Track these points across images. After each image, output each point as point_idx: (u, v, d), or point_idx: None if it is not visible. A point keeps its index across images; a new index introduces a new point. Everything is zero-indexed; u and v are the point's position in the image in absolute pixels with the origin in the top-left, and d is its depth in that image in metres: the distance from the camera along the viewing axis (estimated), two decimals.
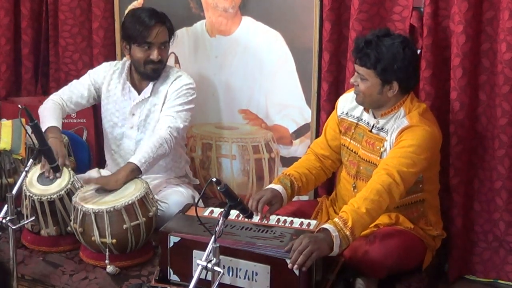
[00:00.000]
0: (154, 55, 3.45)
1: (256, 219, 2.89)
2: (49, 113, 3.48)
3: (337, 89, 3.47)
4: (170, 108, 3.49)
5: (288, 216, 2.98)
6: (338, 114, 3.18)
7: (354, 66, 2.99)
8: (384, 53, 2.88)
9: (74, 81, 3.69)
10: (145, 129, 3.58)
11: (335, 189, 3.30)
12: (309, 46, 3.52)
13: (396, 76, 2.90)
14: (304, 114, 3.65)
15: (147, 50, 3.46)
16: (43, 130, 3.25)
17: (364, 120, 3.08)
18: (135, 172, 3.28)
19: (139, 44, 3.46)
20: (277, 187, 3.02)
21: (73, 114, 3.96)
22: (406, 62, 2.89)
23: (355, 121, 3.11)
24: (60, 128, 3.46)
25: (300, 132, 3.70)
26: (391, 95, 2.94)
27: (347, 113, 3.14)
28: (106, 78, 3.63)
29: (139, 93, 3.57)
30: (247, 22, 3.71)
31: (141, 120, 3.58)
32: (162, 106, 3.53)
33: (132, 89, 3.58)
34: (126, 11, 3.92)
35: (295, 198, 3.24)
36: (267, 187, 3.07)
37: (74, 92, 3.62)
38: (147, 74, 3.52)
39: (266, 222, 2.92)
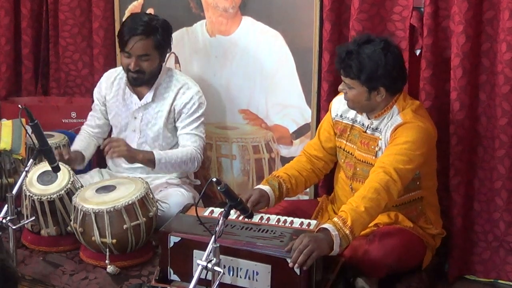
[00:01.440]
0: (131, 65, 3.45)
1: (256, 219, 2.90)
2: (75, 142, 3.66)
3: (337, 89, 3.43)
4: (189, 126, 3.54)
5: (289, 216, 2.98)
6: (332, 116, 3.18)
7: (340, 76, 2.99)
8: (366, 62, 2.87)
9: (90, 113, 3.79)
10: (146, 134, 3.60)
11: (334, 189, 3.31)
12: (309, 46, 3.52)
13: (381, 82, 2.90)
14: (304, 114, 3.65)
15: (127, 58, 3.47)
16: None
17: (359, 122, 3.08)
18: (149, 163, 3.40)
19: (121, 50, 3.50)
20: (265, 188, 3.04)
21: (73, 114, 4.08)
22: (389, 67, 2.88)
23: (350, 123, 3.11)
24: (83, 153, 3.57)
25: (300, 132, 3.70)
26: (380, 99, 2.95)
27: (341, 115, 3.15)
28: (108, 87, 3.68)
29: (139, 97, 3.58)
30: (247, 22, 3.71)
31: (143, 124, 3.60)
32: (168, 115, 3.55)
33: (132, 93, 3.59)
34: (127, 11, 3.93)
35: (295, 198, 3.24)
36: (255, 187, 3.08)
37: (91, 120, 3.75)
38: (129, 80, 3.55)
39: (266, 222, 2.92)
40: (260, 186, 3.06)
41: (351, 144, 3.10)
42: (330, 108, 3.22)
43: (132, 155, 3.37)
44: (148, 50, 3.46)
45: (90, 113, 3.76)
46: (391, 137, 2.92)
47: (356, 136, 3.08)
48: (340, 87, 3.01)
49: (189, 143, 3.53)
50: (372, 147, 3.00)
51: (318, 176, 3.25)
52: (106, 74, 3.74)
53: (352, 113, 3.11)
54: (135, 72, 3.47)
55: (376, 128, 3.01)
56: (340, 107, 3.14)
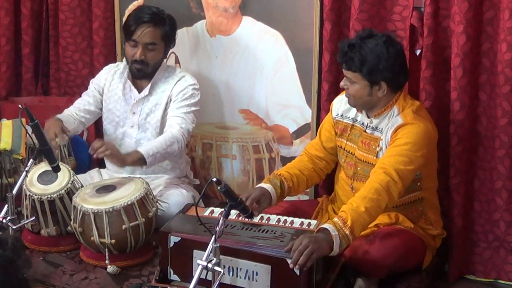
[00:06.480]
0: (137, 54, 3.45)
1: (256, 219, 2.90)
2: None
3: (337, 89, 3.46)
4: (178, 109, 3.50)
5: (289, 216, 2.98)
6: (333, 116, 3.18)
7: (342, 70, 2.99)
8: (368, 55, 2.88)
9: (82, 94, 3.74)
10: (145, 128, 3.59)
11: (334, 189, 3.31)
12: (310, 46, 3.52)
13: (382, 76, 2.90)
14: (305, 114, 3.65)
15: (133, 48, 3.47)
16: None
17: (359, 121, 3.08)
18: (140, 161, 3.29)
19: (128, 39, 3.49)
20: (266, 186, 3.03)
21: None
22: (391, 61, 2.89)
23: (351, 123, 3.11)
24: (61, 119, 3.47)
25: (300, 132, 3.70)
26: (381, 95, 2.95)
27: (342, 115, 3.15)
28: (108, 79, 3.65)
29: (139, 92, 3.58)
30: (247, 22, 3.71)
31: (142, 119, 3.59)
32: (166, 106, 3.53)
33: (132, 87, 3.59)
34: (127, 11, 3.93)
35: (295, 198, 3.24)
36: (256, 186, 3.08)
37: (80, 102, 3.68)
38: (132, 72, 3.54)
39: (266, 222, 2.92)
40: (262, 184, 3.05)
41: (352, 144, 3.10)
42: (331, 108, 3.22)
43: (122, 157, 3.29)
44: (156, 39, 3.47)
45: (81, 97, 3.69)
46: (392, 138, 2.92)
47: (357, 135, 3.08)
48: (341, 83, 3.01)
49: (174, 124, 3.45)
50: (373, 147, 3.00)
51: (320, 176, 3.25)
52: (106, 67, 3.73)
53: (352, 113, 3.11)
54: (140, 62, 3.47)
55: (376, 128, 3.01)
56: (341, 107, 3.15)
